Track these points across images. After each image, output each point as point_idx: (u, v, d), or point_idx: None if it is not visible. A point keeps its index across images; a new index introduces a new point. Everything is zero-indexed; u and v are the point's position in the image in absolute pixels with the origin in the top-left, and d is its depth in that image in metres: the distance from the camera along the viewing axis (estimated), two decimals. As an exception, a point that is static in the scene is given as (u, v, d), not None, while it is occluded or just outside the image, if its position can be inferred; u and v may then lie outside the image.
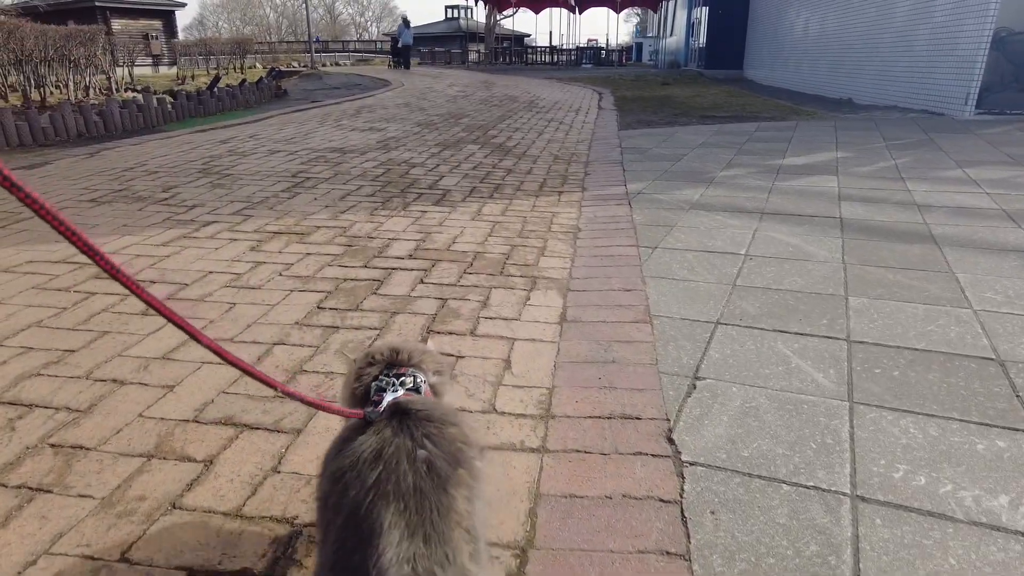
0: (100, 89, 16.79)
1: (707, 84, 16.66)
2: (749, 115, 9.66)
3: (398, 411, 1.10)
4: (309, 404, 1.06)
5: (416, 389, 1.21)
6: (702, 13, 21.59)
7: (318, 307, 2.75)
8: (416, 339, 2.48)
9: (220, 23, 69.75)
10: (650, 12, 43.24)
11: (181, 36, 38.28)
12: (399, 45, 28.20)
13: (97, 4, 30.54)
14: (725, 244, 3.52)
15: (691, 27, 23.63)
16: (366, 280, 3.07)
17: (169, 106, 10.45)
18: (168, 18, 33.68)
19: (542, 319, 2.63)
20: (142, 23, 32.11)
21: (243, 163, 6.00)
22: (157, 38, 31.88)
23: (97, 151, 6.90)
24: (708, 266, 3.18)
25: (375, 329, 2.55)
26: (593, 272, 3.17)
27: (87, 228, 3.96)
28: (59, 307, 2.76)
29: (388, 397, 1.15)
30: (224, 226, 3.96)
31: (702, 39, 21.59)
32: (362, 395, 1.22)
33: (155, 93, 17.77)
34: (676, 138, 7.43)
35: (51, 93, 14.94)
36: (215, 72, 24.57)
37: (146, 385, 2.13)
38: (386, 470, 0.98)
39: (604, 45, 41.30)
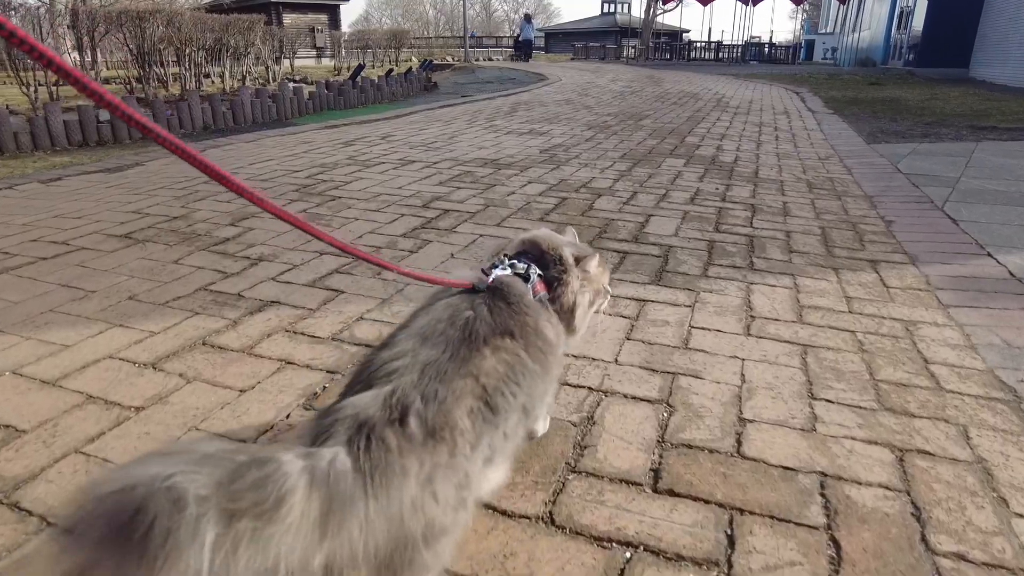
0: (258, 80, 16.27)
1: (930, 85, 13.26)
2: (1052, 126, 6.70)
3: (492, 287, 1.08)
4: (421, 280, 1.07)
5: (525, 276, 1.16)
6: (915, 2, 17.80)
7: None
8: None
9: (383, 19, 71.61)
10: (824, 7, 38.37)
11: (346, 30, 38.90)
12: (520, 39, 29.73)
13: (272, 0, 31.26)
14: None
15: (896, 19, 19.75)
16: (562, 604, 1.05)
17: (306, 96, 9.12)
18: (333, 12, 33.92)
19: None
20: (310, 17, 32.50)
21: (361, 178, 4.22)
22: (322, 31, 32.15)
23: (204, 149, 5.46)
24: None
25: None
26: None
27: (74, 294, 2.26)
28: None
29: (494, 273, 1.13)
30: (288, 317, 2.11)
31: (914, 32, 17.80)
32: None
33: (311, 83, 17.11)
34: (983, 162, 4.83)
35: (212, 83, 14.45)
36: (366, 63, 23.95)
37: None
38: (430, 318, 0.98)
39: (768, 41, 37.13)
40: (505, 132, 6.42)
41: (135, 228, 3.07)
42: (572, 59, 33.22)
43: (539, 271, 1.20)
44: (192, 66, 13.02)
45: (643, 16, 35.45)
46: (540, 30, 58.94)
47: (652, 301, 2.27)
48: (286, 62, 21.90)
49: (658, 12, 34.57)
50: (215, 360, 1.82)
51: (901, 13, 19.32)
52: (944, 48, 15.85)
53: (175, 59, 12.39)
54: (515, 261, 1.19)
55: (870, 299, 2.32)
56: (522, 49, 29.01)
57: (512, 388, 0.94)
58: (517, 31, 31.68)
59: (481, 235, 3.01)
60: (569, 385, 1.70)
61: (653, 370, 1.78)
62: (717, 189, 3.98)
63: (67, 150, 6.15)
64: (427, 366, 0.88)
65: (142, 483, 0.59)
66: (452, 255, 2.72)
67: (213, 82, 14.47)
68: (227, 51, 13.69)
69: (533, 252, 1.24)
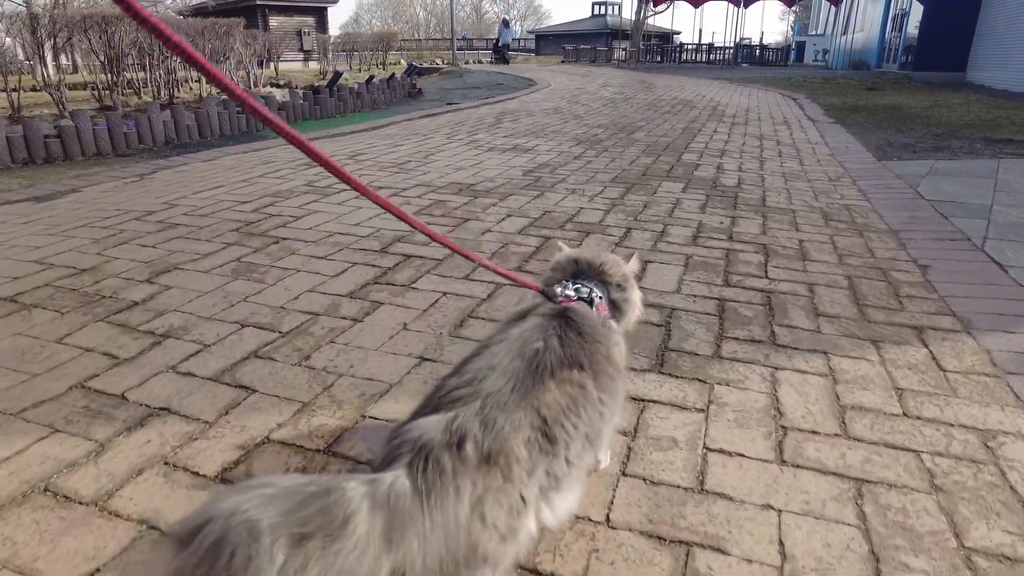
0: (239, 85, 15.71)
1: (930, 90, 12.84)
2: (1071, 140, 6.23)
3: (562, 314, 1.13)
4: (503, 275, 1.16)
5: (589, 300, 1.23)
6: (910, 4, 17.40)
7: None
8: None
9: (374, 21, 70.95)
10: (814, 8, 38.08)
11: (337, 32, 38.35)
12: (499, 44, 30.48)
13: (257, 3, 30.63)
14: None
15: (890, 21, 19.35)
16: None
17: (278, 105, 8.56)
18: (320, 14, 33.25)
19: None
20: (296, 19, 31.87)
21: (316, 211, 3.68)
22: (309, 34, 31.53)
23: (154, 171, 4.92)
24: None
25: None
26: None
27: (-91, 400, 1.72)
28: None
29: (566, 293, 1.21)
30: (173, 436, 1.59)
31: (909, 35, 17.40)
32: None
33: (296, 88, 16.65)
34: (1013, 185, 4.34)
35: (189, 90, 13.89)
36: (353, 66, 23.43)
37: None
38: (502, 349, 1.02)
39: (760, 43, 36.77)
40: (487, 148, 5.89)
41: (29, 286, 2.53)
42: (562, 62, 32.77)
43: (600, 294, 1.26)
44: (165, 73, 12.43)
45: (633, 18, 34.95)
46: (531, 32, 58.69)
47: (654, 402, 1.76)
48: (272, 66, 21.39)
49: (648, 14, 34.09)
50: (49, 522, 1.30)
51: (896, 16, 18.93)
52: (941, 52, 15.44)
53: (146, 65, 11.79)
54: (579, 285, 1.25)
55: (926, 392, 1.82)
56: (501, 53, 29.98)
57: (573, 420, 0.99)
58: (496, 35, 32.88)
59: (445, 292, 2.49)
60: (539, 575, 1.18)
61: (660, 539, 1.27)
62: (722, 223, 3.48)
63: (10, 169, 5.59)
64: (489, 396, 0.93)
65: (222, 517, 0.69)
66: (405, 325, 2.20)
67: (191, 88, 13.90)
68: (203, 56, 13.07)
69: (590, 273, 1.32)
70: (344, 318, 2.25)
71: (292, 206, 3.72)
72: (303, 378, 1.85)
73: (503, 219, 3.52)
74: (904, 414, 1.72)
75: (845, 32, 27.63)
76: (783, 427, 1.65)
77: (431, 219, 3.52)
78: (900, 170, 4.93)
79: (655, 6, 31.75)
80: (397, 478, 0.82)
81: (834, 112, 9.11)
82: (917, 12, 16.83)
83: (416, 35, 61.09)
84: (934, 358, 2.02)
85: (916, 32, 16.79)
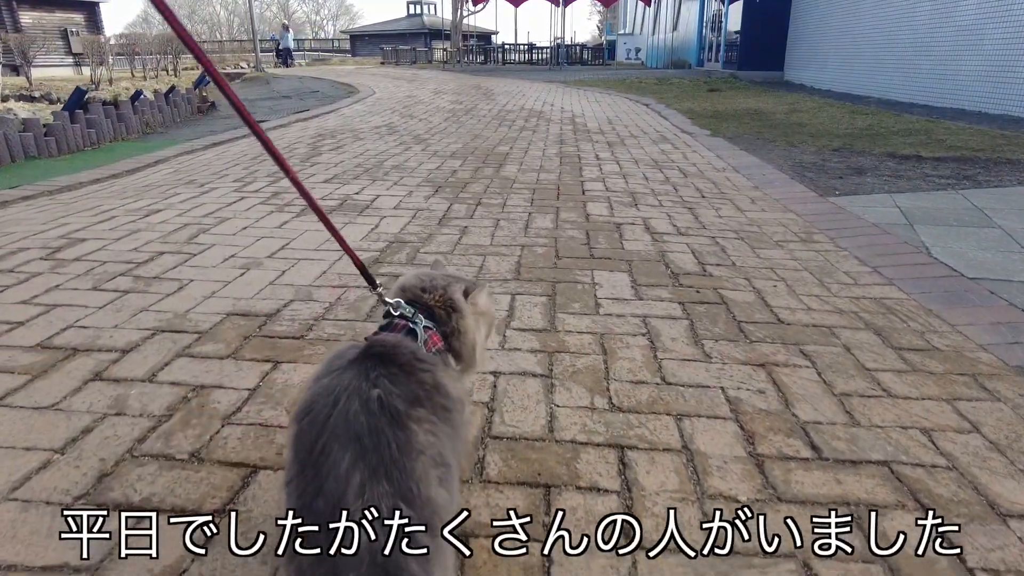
0: (-37, 100, 11.85)
1: (767, 90, 12.55)
2: (988, 155, 5.50)
3: (371, 353, 0.97)
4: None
5: (413, 333, 1.06)
6: (727, 5, 17.48)
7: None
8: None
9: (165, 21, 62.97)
10: (622, 8, 39.08)
11: (121, 31, 32.84)
12: (280, 48, 30.47)
13: (2, -7, 24.85)
14: None
15: (708, 21, 19.51)
16: None
17: (-20, 143, 5.73)
18: (91, 11, 27.82)
19: None
20: (59, 16, 26.35)
21: None
22: (78, 34, 26.22)
23: None
24: None
25: None
26: None
27: None
28: None
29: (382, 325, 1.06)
30: None
31: (729, 35, 17.47)
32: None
33: (59, 101, 13.21)
34: (1037, 237, 3.19)
35: None
36: (136, 73, 19.52)
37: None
38: (339, 413, 0.86)
39: (580, 43, 37.02)
40: (299, 211, 3.82)
41: None
42: (382, 63, 30.53)
43: (428, 323, 1.09)
44: None
45: (452, 17, 33.36)
46: (345, 32, 55.45)
47: None
48: (35, 71, 17.09)
49: (466, 13, 32.68)
50: None
51: (712, 16, 19.09)
52: (761, 52, 15.51)
53: None
54: (402, 312, 1.08)
55: None
56: (283, 56, 29.86)
57: (448, 448, 0.91)
58: (278, 39, 32.55)
59: None
60: None
61: None
62: (763, 392, 1.82)
63: None
64: (386, 468, 0.80)
65: None
66: None
67: None
68: None
69: (418, 302, 1.13)
70: None
71: None
72: None
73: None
74: None
75: (655, 32, 28.19)
76: None
77: (162, 481, 1.49)
78: (866, 213, 3.68)
79: (473, 5, 30.43)
80: None
81: (701, 121, 8.08)
82: (731, 13, 16.92)
83: (218, 36, 54.99)
84: None
85: (734, 32, 16.88)
